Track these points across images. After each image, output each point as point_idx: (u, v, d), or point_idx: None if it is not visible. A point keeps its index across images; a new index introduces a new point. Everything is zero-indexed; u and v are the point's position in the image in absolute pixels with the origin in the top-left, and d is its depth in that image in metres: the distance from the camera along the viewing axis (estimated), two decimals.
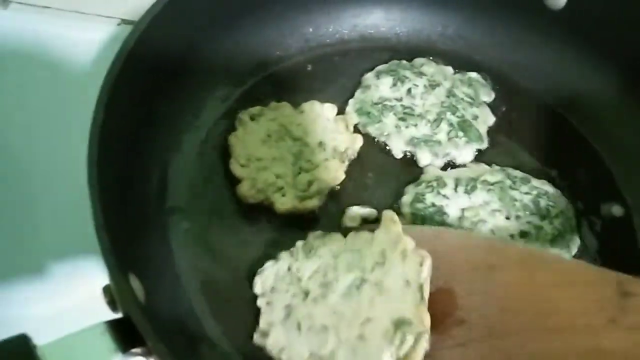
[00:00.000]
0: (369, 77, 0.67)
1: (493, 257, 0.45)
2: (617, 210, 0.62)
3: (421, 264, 0.47)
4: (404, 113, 0.65)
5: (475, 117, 0.66)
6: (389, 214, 0.51)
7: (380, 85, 0.66)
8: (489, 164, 0.63)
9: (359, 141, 0.63)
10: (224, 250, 0.56)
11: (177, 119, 0.59)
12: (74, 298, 0.52)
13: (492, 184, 0.60)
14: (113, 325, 0.39)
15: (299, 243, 0.53)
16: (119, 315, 0.41)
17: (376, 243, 0.50)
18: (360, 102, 0.66)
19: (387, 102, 0.65)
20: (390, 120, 0.64)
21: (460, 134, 0.64)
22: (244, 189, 0.57)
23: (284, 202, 0.57)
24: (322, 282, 0.49)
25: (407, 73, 0.67)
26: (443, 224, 0.58)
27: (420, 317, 0.45)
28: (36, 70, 0.67)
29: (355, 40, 0.71)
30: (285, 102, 0.63)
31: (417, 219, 0.58)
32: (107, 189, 0.43)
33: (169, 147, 0.58)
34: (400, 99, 0.66)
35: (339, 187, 0.60)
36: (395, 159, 0.63)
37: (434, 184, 0.60)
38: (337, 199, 0.60)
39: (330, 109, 0.64)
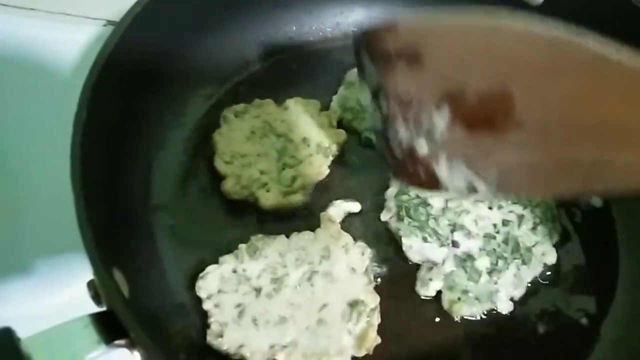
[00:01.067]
0: (352, 73, 0.68)
1: (559, 59, 0.37)
2: (596, 201, 0.63)
3: (363, 254, 0.55)
4: None
5: None
6: (326, 215, 0.57)
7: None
8: None
9: (342, 136, 0.64)
10: (209, 246, 0.56)
11: (161, 117, 0.60)
12: (59, 295, 0.53)
13: None
14: (97, 318, 0.39)
15: (242, 246, 0.55)
16: (103, 309, 0.42)
17: (319, 240, 0.55)
18: (344, 98, 0.66)
19: None
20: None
21: None
22: (229, 185, 0.58)
23: (268, 198, 0.58)
24: (273, 278, 0.53)
25: None
26: (427, 215, 0.59)
27: (370, 296, 0.53)
28: (22, 71, 0.68)
29: (338, 38, 0.72)
30: (269, 99, 0.64)
31: (402, 210, 0.59)
32: (91, 186, 0.43)
33: (153, 145, 0.59)
34: None
35: (325, 181, 0.61)
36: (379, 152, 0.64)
37: None
38: (322, 193, 0.61)
39: (313, 106, 0.65)
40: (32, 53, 0.69)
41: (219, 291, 0.52)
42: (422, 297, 0.56)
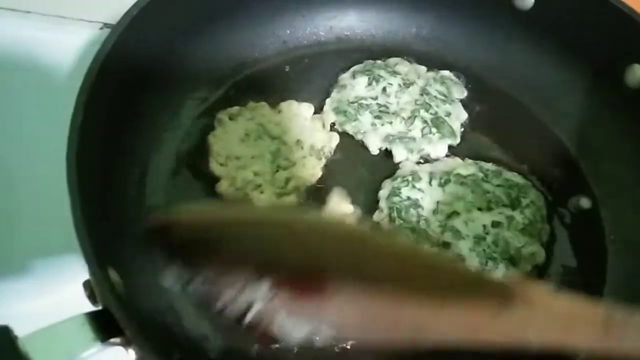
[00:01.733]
0: (345, 77, 0.69)
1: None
2: (585, 202, 0.64)
3: None
4: (380, 111, 0.67)
5: (448, 114, 0.67)
6: (334, 195, 0.58)
7: (356, 85, 0.68)
8: (462, 159, 0.65)
9: (335, 139, 0.65)
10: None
11: (156, 119, 0.60)
12: (56, 295, 0.53)
13: (465, 177, 0.62)
14: (92, 316, 0.40)
15: None
16: (99, 308, 0.42)
17: None
18: (337, 101, 0.67)
19: (362, 101, 0.67)
20: (366, 118, 0.66)
21: (434, 130, 0.66)
22: (223, 187, 0.59)
23: (262, 200, 0.59)
24: None
25: (382, 72, 0.69)
26: (418, 216, 0.60)
27: None
28: (18, 74, 0.68)
29: (332, 42, 0.73)
30: (263, 102, 0.65)
31: (394, 212, 0.60)
32: (86, 187, 0.44)
33: (148, 147, 0.59)
34: (375, 98, 0.67)
35: (318, 185, 0.62)
36: (372, 155, 0.65)
37: (409, 178, 0.62)
38: (315, 195, 0.62)
39: (307, 108, 0.66)
40: (28, 56, 0.69)
41: None
42: None
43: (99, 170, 0.49)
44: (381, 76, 0.69)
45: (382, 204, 0.61)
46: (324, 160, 0.63)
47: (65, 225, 0.43)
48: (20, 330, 0.38)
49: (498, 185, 0.62)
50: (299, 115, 0.65)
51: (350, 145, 0.66)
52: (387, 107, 0.67)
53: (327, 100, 0.68)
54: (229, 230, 0.39)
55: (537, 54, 0.70)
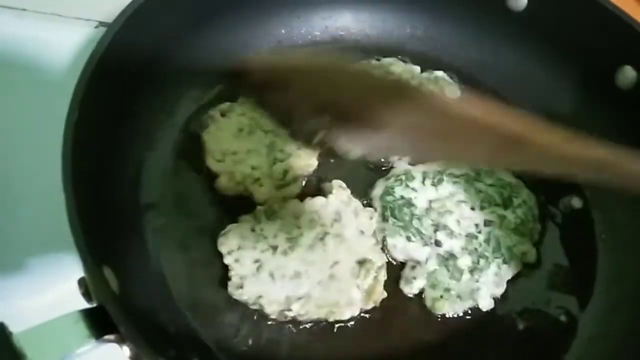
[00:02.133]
0: None
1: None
2: (576, 202, 0.65)
3: (371, 218, 0.59)
4: None
5: None
6: (337, 182, 0.60)
7: None
8: None
9: None
10: (200, 244, 0.57)
11: (152, 117, 0.61)
12: (51, 293, 0.54)
13: (458, 176, 0.63)
14: (87, 313, 0.40)
15: (260, 208, 0.58)
16: (93, 305, 0.43)
17: (331, 205, 0.59)
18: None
19: None
20: None
21: None
22: (223, 182, 0.59)
23: (263, 192, 0.59)
24: (288, 237, 0.56)
25: None
26: (411, 215, 0.60)
27: (377, 255, 0.57)
28: (14, 72, 0.68)
29: (327, 42, 0.73)
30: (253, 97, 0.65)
31: (386, 210, 0.61)
32: (81, 185, 0.44)
33: (143, 145, 0.60)
34: None
35: (315, 174, 0.63)
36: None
37: (403, 177, 0.63)
38: (313, 185, 0.63)
39: None
40: (24, 54, 0.69)
41: (239, 247, 0.56)
42: (406, 295, 0.58)
43: (94, 168, 0.49)
44: None
45: (376, 203, 0.62)
46: (318, 151, 0.63)
47: (61, 223, 0.43)
48: (15, 328, 0.38)
49: (490, 185, 0.63)
50: None
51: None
52: None
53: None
54: (296, 73, 0.46)
55: (530, 55, 0.71)
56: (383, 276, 0.57)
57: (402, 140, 0.45)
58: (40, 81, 0.68)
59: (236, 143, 0.61)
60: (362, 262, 0.56)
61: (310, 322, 0.54)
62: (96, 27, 0.73)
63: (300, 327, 0.54)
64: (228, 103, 0.64)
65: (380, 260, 0.57)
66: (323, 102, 0.45)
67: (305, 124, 0.45)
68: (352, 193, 0.61)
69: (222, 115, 0.63)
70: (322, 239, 0.57)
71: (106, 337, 0.40)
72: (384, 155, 0.57)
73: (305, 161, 0.62)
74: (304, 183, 0.62)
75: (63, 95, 0.49)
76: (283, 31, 0.71)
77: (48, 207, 0.48)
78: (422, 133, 0.44)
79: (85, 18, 0.73)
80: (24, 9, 0.72)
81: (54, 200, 0.44)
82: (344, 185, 0.61)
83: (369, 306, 0.55)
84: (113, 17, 0.58)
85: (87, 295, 0.43)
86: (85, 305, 0.43)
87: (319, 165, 0.63)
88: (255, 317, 0.54)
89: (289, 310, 0.53)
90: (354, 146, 0.45)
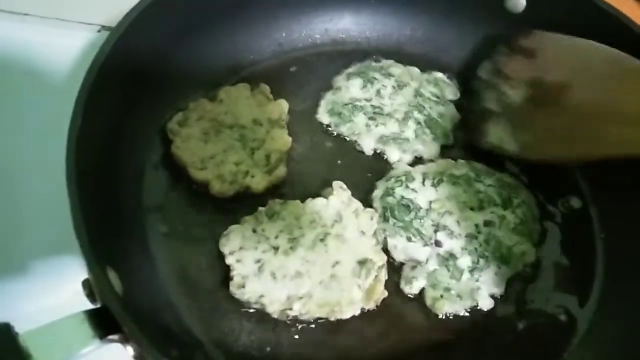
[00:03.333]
0: (339, 79, 0.70)
1: (596, 65, 0.58)
2: (575, 202, 0.66)
3: (372, 218, 0.60)
4: (374, 113, 0.68)
5: (441, 115, 0.69)
6: (338, 183, 0.61)
7: (350, 87, 0.69)
8: (455, 159, 0.66)
9: (284, 105, 0.66)
10: (202, 245, 0.58)
11: (154, 120, 0.61)
12: (56, 295, 0.54)
13: (458, 177, 0.63)
14: (91, 314, 0.41)
15: (261, 209, 0.59)
16: (97, 306, 0.43)
17: (332, 206, 0.59)
18: (332, 103, 0.68)
19: (357, 103, 0.68)
20: (360, 119, 0.67)
21: (427, 131, 0.67)
22: (217, 187, 0.60)
23: (258, 182, 0.60)
24: (290, 238, 0.57)
25: (376, 74, 0.70)
26: (412, 216, 0.61)
27: (377, 256, 0.58)
28: (17, 76, 0.69)
29: (327, 45, 0.74)
30: (202, 99, 0.64)
31: (387, 211, 0.61)
32: (85, 188, 0.45)
33: (145, 148, 0.60)
34: (369, 100, 0.69)
35: (292, 154, 0.64)
36: (366, 156, 0.66)
37: (403, 178, 0.63)
38: (297, 165, 0.64)
39: (243, 89, 0.66)
40: (26, 58, 0.70)
41: (240, 248, 0.56)
42: (406, 295, 0.58)
43: (98, 171, 0.50)
44: (375, 78, 0.70)
45: (376, 204, 0.62)
46: (286, 129, 0.64)
47: (65, 225, 0.44)
48: (21, 329, 0.39)
49: (490, 185, 0.63)
50: (240, 97, 0.65)
51: (345, 146, 0.67)
52: (381, 109, 0.68)
53: (322, 102, 0.69)
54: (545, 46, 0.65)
55: None
56: (384, 276, 0.57)
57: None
58: (43, 85, 0.69)
59: (209, 147, 0.61)
60: (362, 262, 0.57)
61: (311, 322, 0.55)
62: (98, 31, 0.74)
63: (302, 326, 0.55)
64: (180, 113, 0.63)
65: (380, 260, 0.58)
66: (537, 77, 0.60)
67: None
68: (352, 194, 0.61)
69: (181, 125, 0.62)
70: (323, 239, 0.57)
71: (110, 337, 0.40)
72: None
73: (280, 140, 0.63)
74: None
75: (66, 99, 0.50)
76: (284, 34, 0.72)
77: (52, 209, 0.49)
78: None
79: (88, 22, 0.74)
80: (27, 14, 0.73)
81: (57, 202, 0.45)
82: (344, 186, 0.61)
83: (370, 306, 0.56)
84: (115, 21, 0.58)
85: (91, 296, 0.44)
86: (89, 306, 0.44)
87: (321, 166, 0.63)
88: (256, 317, 0.55)
89: (290, 309, 0.54)
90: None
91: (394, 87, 0.69)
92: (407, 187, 0.63)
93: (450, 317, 0.57)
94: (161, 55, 0.61)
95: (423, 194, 0.63)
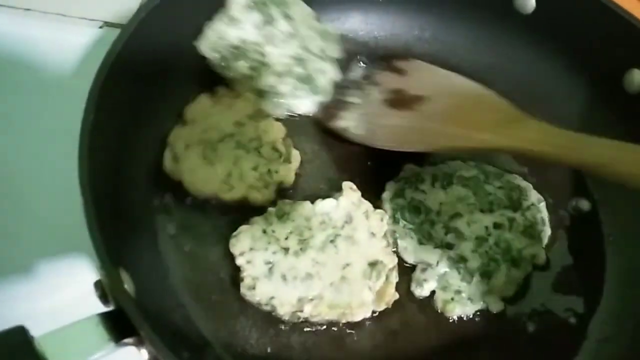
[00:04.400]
0: (238, 3, 0.64)
1: (453, 88, 0.66)
2: (584, 204, 0.66)
3: (382, 220, 0.60)
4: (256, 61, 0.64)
5: (322, 72, 0.67)
6: (348, 184, 0.61)
7: (246, 23, 0.64)
8: (465, 161, 0.66)
9: (250, 97, 0.64)
10: (212, 245, 0.57)
11: (164, 118, 0.60)
12: (64, 296, 0.53)
13: (468, 179, 0.63)
14: (106, 317, 0.40)
15: (271, 209, 0.58)
16: (110, 308, 0.42)
17: (342, 207, 0.59)
18: (218, 38, 0.63)
19: (242, 46, 0.63)
20: (241, 65, 0.64)
21: (305, 87, 0.65)
22: (260, 198, 0.59)
23: (286, 173, 0.61)
24: (300, 239, 0.56)
25: (276, 13, 0.65)
26: (422, 218, 0.61)
27: (388, 257, 0.57)
28: (19, 72, 0.67)
29: None
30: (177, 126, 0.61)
31: (397, 212, 0.61)
32: (97, 186, 0.44)
33: (157, 147, 0.59)
34: (258, 44, 0.64)
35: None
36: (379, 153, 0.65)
37: (413, 179, 0.63)
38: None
39: (204, 99, 0.63)
40: (28, 53, 0.69)
41: (251, 249, 0.55)
42: (417, 297, 0.58)
43: (109, 170, 0.49)
44: (274, 18, 0.65)
45: (386, 205, 0.62)
46: (270, 116, 0.63)
47: (74, 225, 0.43)
48: (30, 330, 0.38)
49: (499, 187, 0.63)
50: (206, 108, 0.62)
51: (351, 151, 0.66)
52: (263, 57, 0.64)
53: (209, 31, 0.63)
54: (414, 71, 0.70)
55: (539, 57, 0.71)
56: (395, 278, 0.57)
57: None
58: (46, 81, 0.68)
59: (219, 168, 0.59)
60: (373, 264, 0.56)
61: (322, 324, 0.54)
62: (101, 27, 0.73)
63: (313, 328, 0.55)
64: (167, 150, 0.59)
65: (391, 262, 0.57)
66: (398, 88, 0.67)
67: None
68: (362, 195, 0.61)
69: (176, 161, 0.59)
70: (333, 240, 0.57)
71: (125, 340, 0.39)
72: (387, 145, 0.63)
73: (273, 129, 0.62)
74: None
75: (69, 95, 0.49)
76: None
77: (61, 208, 0.48)
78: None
79: (90, 18, 0.73)
80: (28, 9, 0.72)
81: (66, 202, 0.44)
82: (354, 187, 0.61)
83: (381, 308, 0.56)
84: (118, 17, 0.57)
85: (103, 297, 0.43)
86: (98, 306, 0.43)
87: (329, 167, 0.63)
88: (267, 318, 0.54)
89: (301, 311, 0.53)
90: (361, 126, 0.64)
91: (285, 34, 0.65)
92: (416, 188, 0.63)
93: (461, 320, 0.57)
94: (173, 51, 0.60)
95: (433, 195, 0.62)
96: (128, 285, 0.44)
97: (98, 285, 0.43)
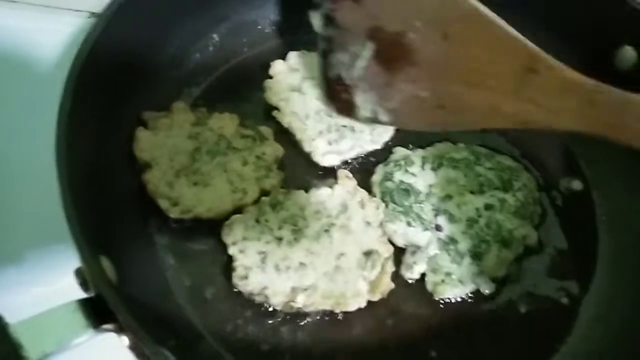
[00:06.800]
0: None
1: (449, 15, 0.50)
2: (576, 184, 0.65)
3: (377, 208, 0.58)
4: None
5: None
6: (344, 172, 0.59)
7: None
8: (455, 143, 0.65)
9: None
10: (203, 234, 0.57)
11: (142, 105, 0.60)
12: (49, 285, 0.53)
13: (458, 161, 0.62)
14: (84, 303, 0.40)
15: (265, 198, 0.57)
16: (91, 295, 0.42)
17: (337, 196, 0.58)
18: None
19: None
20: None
21: None
22: (272, 182, 0.59)
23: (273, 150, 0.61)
24: (294, 229, 0.56)
25: None
26: (412, 200, 0.60)
27: (383, 247, 0.56)
28: (5, 63, 0.67)
29: None
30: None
31: (387, 196, 0.60)
32: (76, 175, 0.44)
33: (134, 134, 0.59)
34: None
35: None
36: None
37: (402, 162, 0.62)
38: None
39: (143, 133, 0.59)
40: (15, 45, 0.69)
41: (244, 238, 0.55)
42: (407, 280, 0.57)
43: (88, 157, 0.48)
44: None
45: (375, 188, 0.61)
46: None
47: (58, 214, 0.43)
48: (12, 319, 0.38)
49: (490, 168, 0.62)
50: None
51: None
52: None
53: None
54: None
55: (528, 35, 0.69)
56: (390, 267, 0.56)
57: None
58: (32, 72, 0.68)
59: (217, 186, 0.58)
60: (368, 254, 0.55)
61: (315, 314, 0.54)
62: (88, 17, 0.72)
63: (306, 319, 0.54)
64: (163, 200, 0.56)
65: (387, 251, 0.56)
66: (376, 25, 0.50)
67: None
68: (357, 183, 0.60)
69: (172, 187, 0.57)
70: (327, 230, 0.56)
71: (104, 326, 0.39)
72: (388, 120, 0.55)
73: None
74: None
75: (54, 85, 0.49)
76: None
77: (44, 198, 0.48)
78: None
79: (77, 9, 0.72)
80: (15, 1, 0.71)
81: (50, 191, 0.44)
82: (350, 175, 0.59)
83: (376, 298, 0.54)
84: (105, 8, 0.56)
85: (84, 285, 0.42)
86: (83, 296, 0.42)
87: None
88: (259, 308, 0.54)
89: (294, 301, 0.53)
90: (368, 102, 0.53)
91: None
92: (406, 171, 0.62)
93: (453, 302, 0.57)
94: (150, 40, 0.60)
95: (423, 178, 0.62)
96: (109, 272, 0.43)
97: (79, 272, 0.43)
